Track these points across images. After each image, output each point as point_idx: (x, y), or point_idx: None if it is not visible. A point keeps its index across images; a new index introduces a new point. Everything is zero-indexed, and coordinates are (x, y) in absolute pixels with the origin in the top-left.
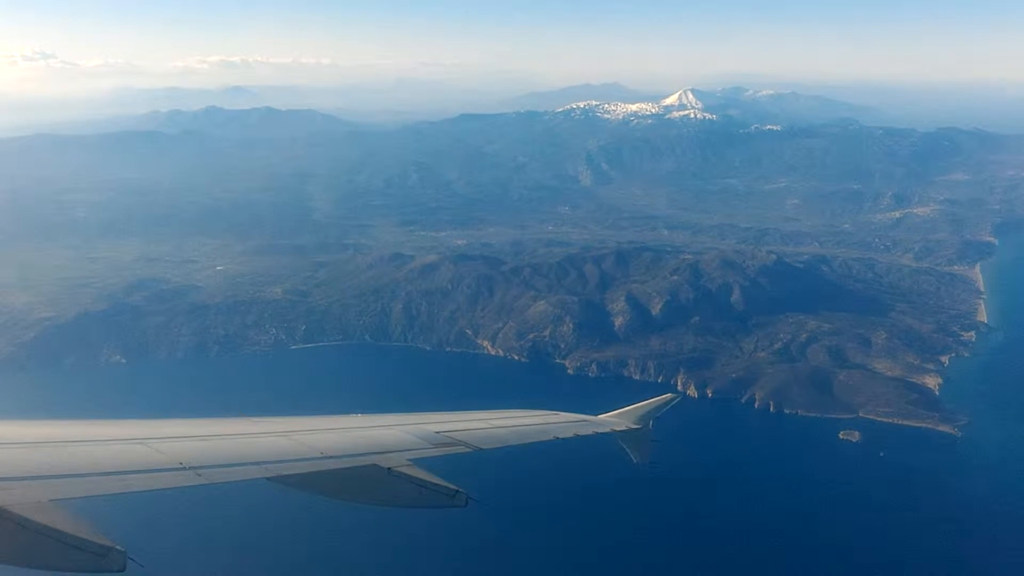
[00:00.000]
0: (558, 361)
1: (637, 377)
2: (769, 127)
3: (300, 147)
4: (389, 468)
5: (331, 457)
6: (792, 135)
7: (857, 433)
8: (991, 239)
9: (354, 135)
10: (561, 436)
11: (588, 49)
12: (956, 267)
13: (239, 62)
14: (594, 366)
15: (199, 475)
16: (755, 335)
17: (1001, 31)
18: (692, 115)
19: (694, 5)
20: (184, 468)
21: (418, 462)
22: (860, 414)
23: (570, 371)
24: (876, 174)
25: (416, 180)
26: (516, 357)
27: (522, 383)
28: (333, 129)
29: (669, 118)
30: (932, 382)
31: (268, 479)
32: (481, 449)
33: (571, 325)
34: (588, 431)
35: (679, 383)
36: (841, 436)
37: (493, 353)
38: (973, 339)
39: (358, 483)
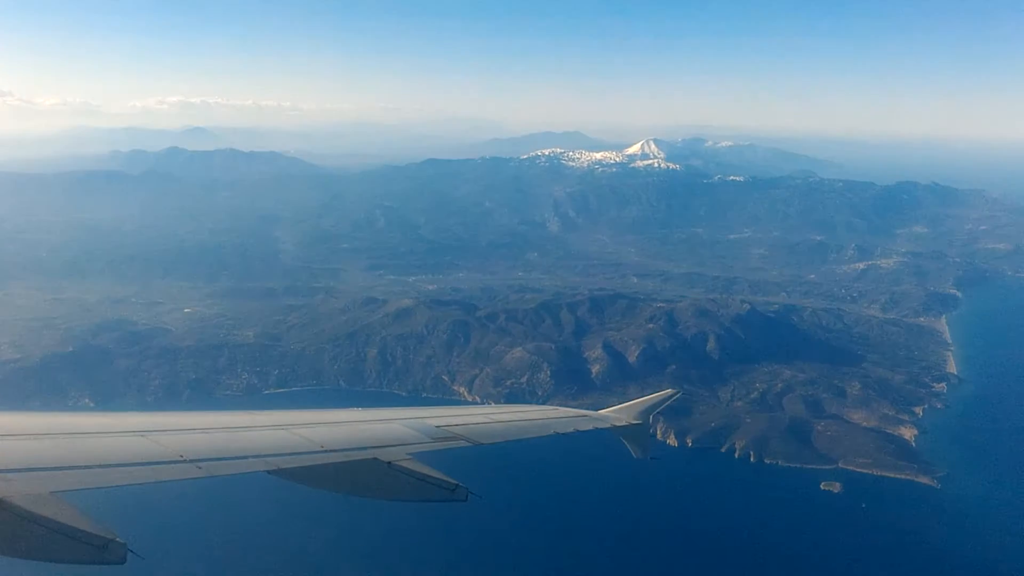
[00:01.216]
0: None
1: None
2: (732, 178)
3: (264, 189)
4: (389, 462)
5: (331, 451)
6: (755, 186)
7: (838, 484)
8: (955, 292)
9: (319, 178)
10: (561, 431)
11: (549, 98)
12: (923, 319)
13: (198, 103)
14: None
15: (199, 468)
16: (731, 384)
17: (951, 90)
18: (656, 164)
19: (654, 58)
20: (184, 461)
21: (418, 456)
22: (840, 464)
23: None
24: (838, 226)
25: (383, 224)
26: (493, 404)
27: None
28: (297, 171)
29: (633, 167)
30: (908, 433)
31: (268, 472)
32: (480, 443)
33: (548, 372)
34: (588, 426)
35: (659, 432)
36: (823, 487)
37: (470, 400)
38: (944, 390)
39: (358, 477)
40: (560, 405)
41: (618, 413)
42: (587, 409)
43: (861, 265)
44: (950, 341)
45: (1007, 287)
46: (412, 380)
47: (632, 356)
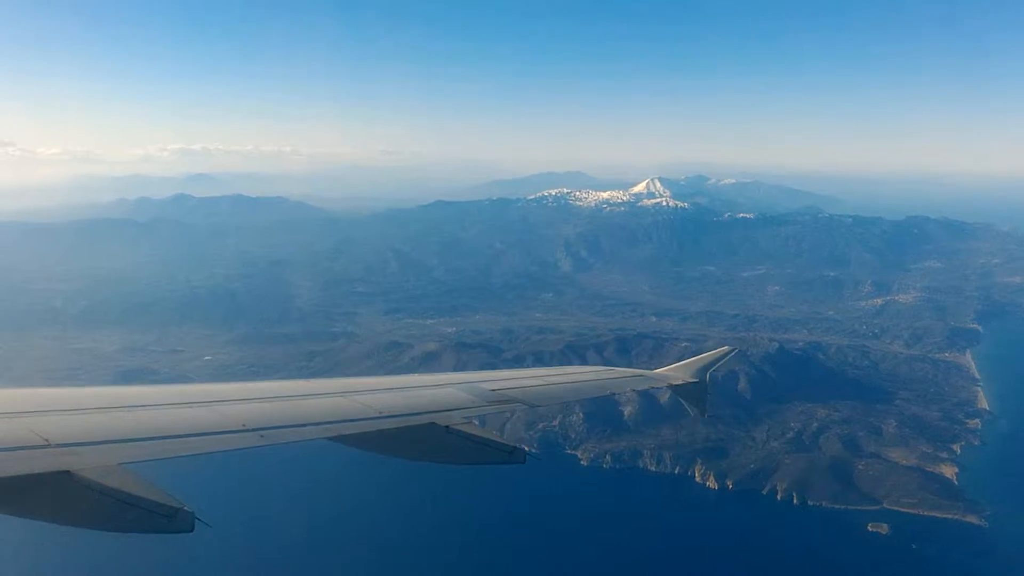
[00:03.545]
0: (569, 452)
1: (653, 468)
2: (742, 215)
3: (274, 234)
4: (447, 426)
5: (390, 416)
6: (765, 223)
7: (885, 525)
8: (976, 326)
9: (326, 222)
10: (617, 391)
11: (549, 139)
12: (947, 354)
13: (200, 150)
14: (608, 457)
15: (262, 436)
16: (766, 424)
17: (951, 126)
18: (664, 203)
19: (653, 97)
20: (247, 430)
21: (476, 419)
22: (884, 505)
23: (583, 462)
24: (851, 261)
25: (396, 267)
26: (526, 448)
27: (536, 476)
28: (305, 216)
29: (641, 205)
30: (949, 471)
31: (328, 439)
32: (536, 406)
33: (580, 415)
34: (644, 386)
35: (697, 474)
36: (870, 528)
37: (502, 443)
38: (979, 427)
39: (416, 441)
40: (595, 447)
41: (675, 372)
42: (621, 449)
43: (879, 301)
44: (978, 376)
45: None
46: None
47: (663, 397)
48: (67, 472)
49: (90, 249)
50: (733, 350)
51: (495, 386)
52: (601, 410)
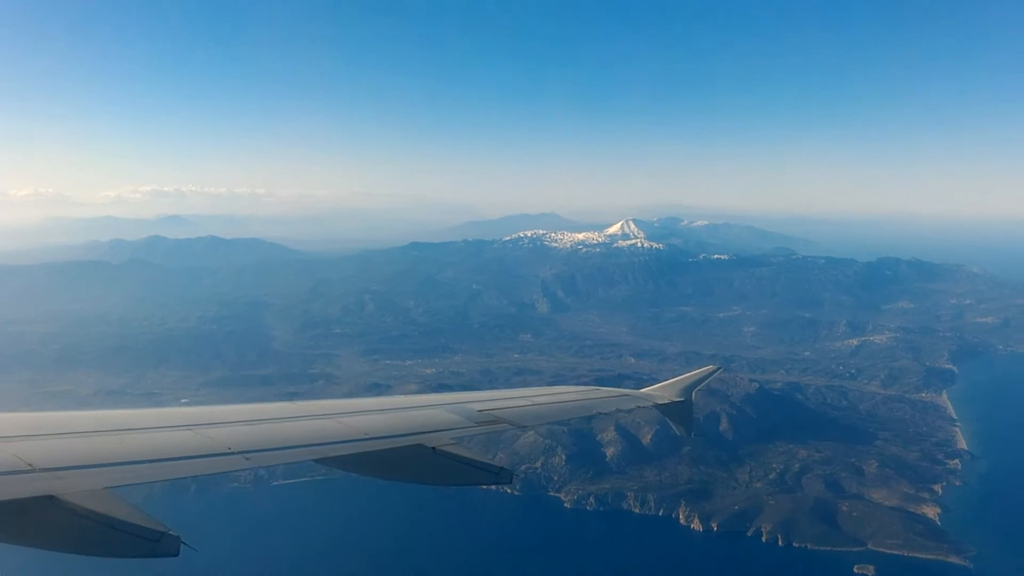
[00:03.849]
0: (552, 494)
1: (637, 510)
2: (716, 256)
3: (249, 276)
4: (433, 447)
5: (376, 438)
6: (739, 264)
7: (871, 567)
8: (951, 367)
9: (302, 263)
10: (604, 411)
11: (522, 181)
12: (924, 394)
13: (172, 191)
14: (592, 499)
15: (247, 459)
16: (748, 464)
17: (919, 169)
18: (639, 244)
19: (625, 141)
20: (233, 452)
21: (462, 441)
22: (869, 546)
23: (567, 504)
24: (825, 302)
25: (373, 308)
26: (509, 490)
27: (520, 519)
28: (281, 257)
29: (616, 247)
30: (931, 512)
31: (315, 460)
32: (523, 426)
33: (563, 456)
34: (630, 406)
35: (681, 516)
36: (856, 570)
37: (485, 487)
38: (959, 467)
39: (403, 463)
40: (579, 489)
41: (660, 391)
42: (605, 491)
43: (854, 341)
44: (956, 417)
45: (1001, 361)
46: None
47: (646, 438)
48: (51, 497)
49: (64, 291)
50: (719, 368)
51: (482, 407)
52: (584, 451)
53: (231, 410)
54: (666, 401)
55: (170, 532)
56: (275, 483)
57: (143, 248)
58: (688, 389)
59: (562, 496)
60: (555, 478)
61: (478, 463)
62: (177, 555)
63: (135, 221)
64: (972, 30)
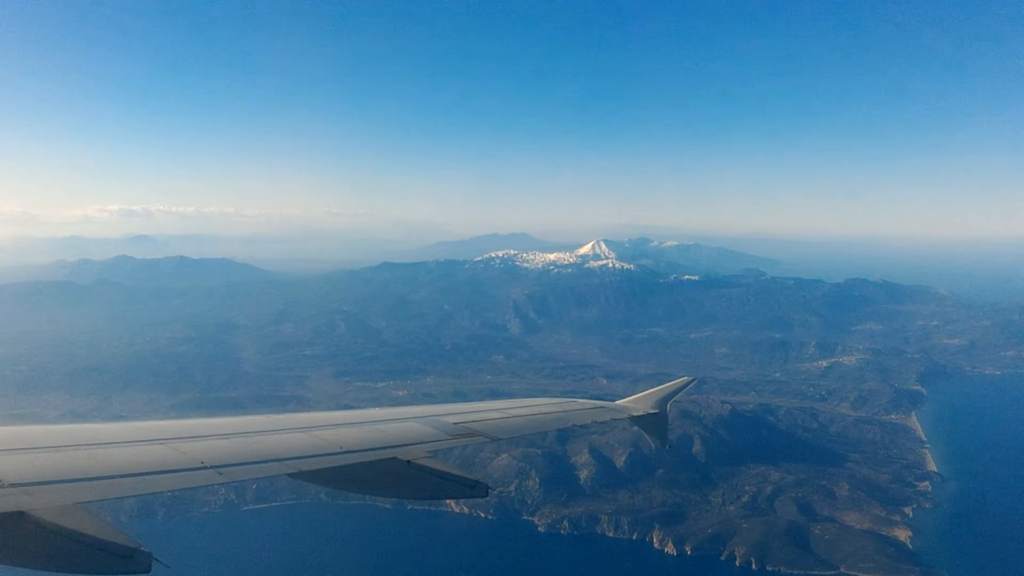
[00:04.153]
0: (526, 518)
1: (611, 534)
2: (687, 277)
3: (218, 297)
4: (408, 461)
5: (351, 452)
6: (709, 285)
7: None
8: (919, 388)
9: (272, 283)
10: (579, 423)
11: (493, 201)
12: (894, 416)
13: (140, 211)
14: (566, 523)
15: (220, 474)
16: (721, 487)
17: (886, 191)
18: (610, 264)
19: (596, 162)
20: (206, 467)
21: (437, 454)
22: (842, 569)
23: (541, 529)
24: (795, 323)
25: (344, 329)
26: (483, 514)
27: (494, 544)
28: (250, 278)
29: (588, 267)
30: (903, 535)
31: (289, 475)
32: (498, 439)
33: (537, 480)
34: (605, 417)
35: (655, 540)
36: None
37: (458, 511)
38: (929, 489)
39: (379, 476)
40: (552, 513)
41: (635, 403)
42: (579, 514)
43: (824, 363)
44: (924, 439)
45: (969, 382)
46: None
47: (619, 461)
48: (21, 513)
49: (30, 312)
50: (692, 380)
51: (457, 419)
52: (557, 474)
53: (205, 424)
54: (641, 413)
55: (142, 548)
56: (245, 508)
57: (111, 268)
58: (663, 401)
59: (536, 520)
60: (529, 502)
61: (452, 476)
62: (148, 572)
63: (102, 241)
64: (936, 59)
